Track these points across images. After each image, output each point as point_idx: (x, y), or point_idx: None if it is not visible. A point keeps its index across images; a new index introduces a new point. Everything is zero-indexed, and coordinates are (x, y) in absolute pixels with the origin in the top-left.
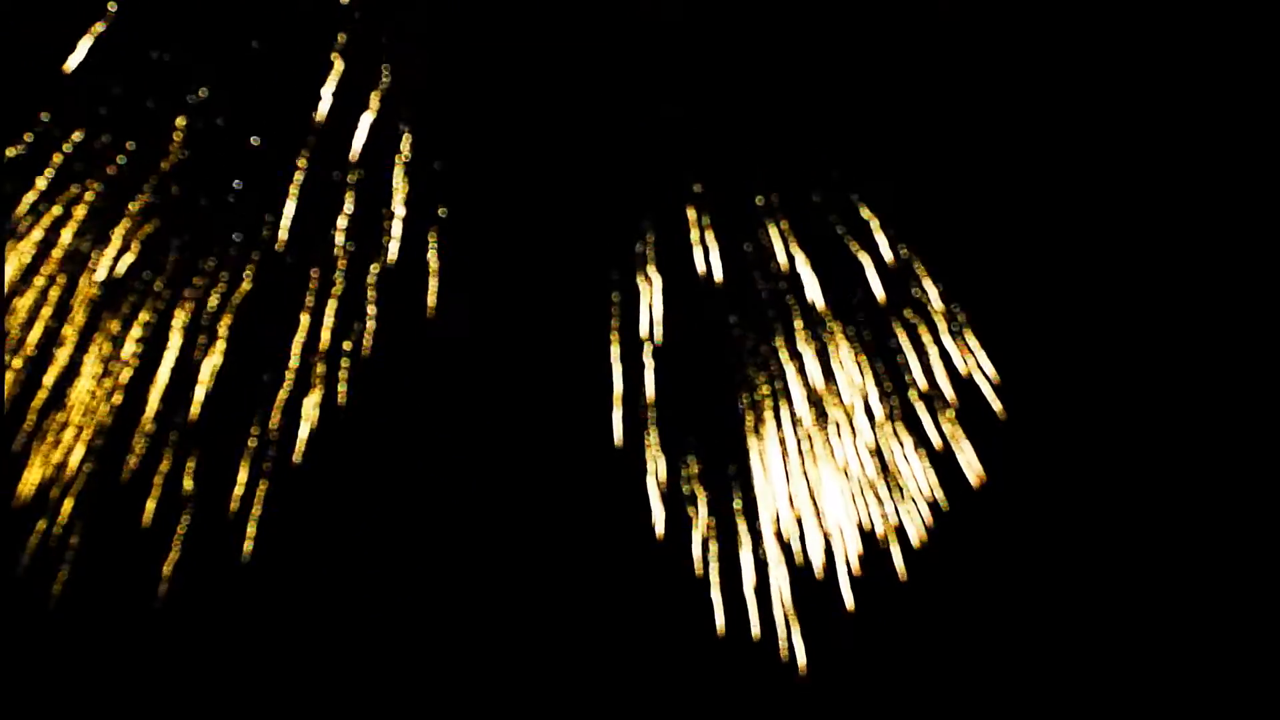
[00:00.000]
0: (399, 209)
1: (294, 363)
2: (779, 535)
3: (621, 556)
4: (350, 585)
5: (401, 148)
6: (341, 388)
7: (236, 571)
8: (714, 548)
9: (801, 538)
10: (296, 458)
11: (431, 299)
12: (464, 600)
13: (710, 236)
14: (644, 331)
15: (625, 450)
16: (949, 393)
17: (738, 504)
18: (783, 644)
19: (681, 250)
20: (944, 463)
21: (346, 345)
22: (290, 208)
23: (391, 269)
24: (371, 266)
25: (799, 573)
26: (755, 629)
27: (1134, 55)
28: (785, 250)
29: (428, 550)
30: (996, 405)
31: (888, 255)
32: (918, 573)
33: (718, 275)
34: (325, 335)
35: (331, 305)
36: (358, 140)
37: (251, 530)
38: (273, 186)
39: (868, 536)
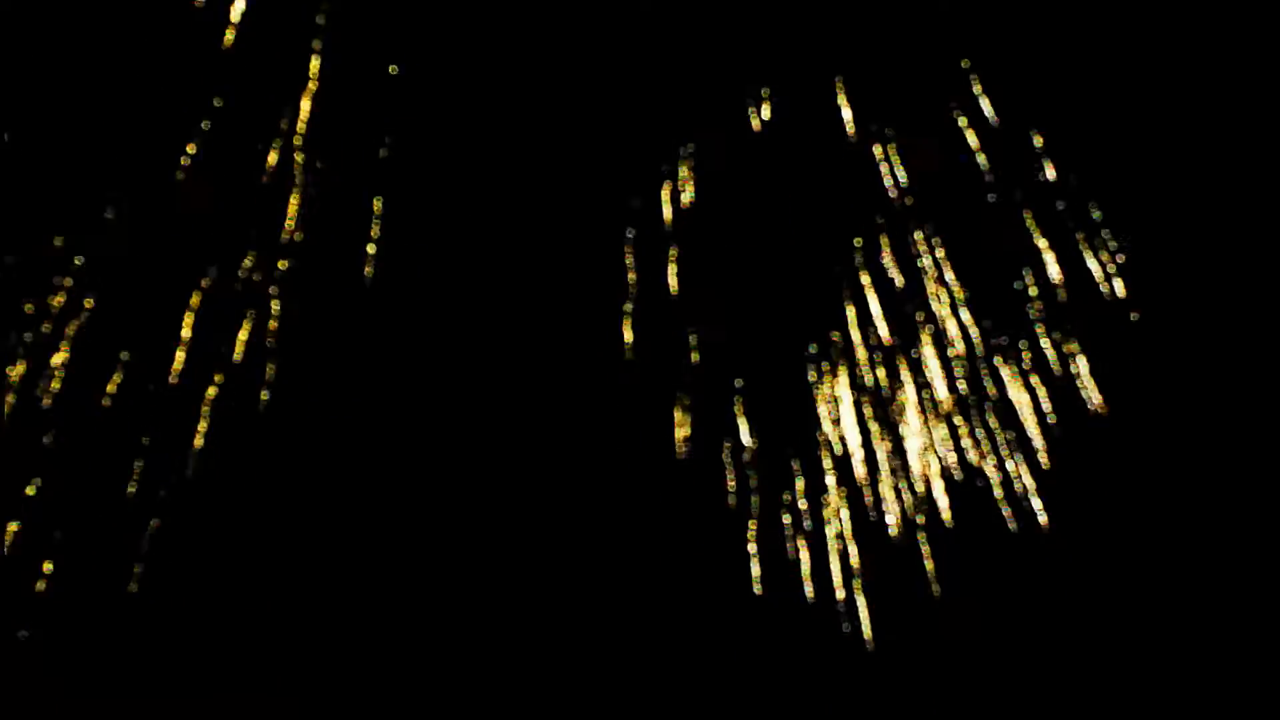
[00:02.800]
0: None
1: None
2: (839, 466)
3: (635, 489)
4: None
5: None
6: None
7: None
8: (756, 495)
9: (873, 478)
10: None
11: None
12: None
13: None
14: (669, 216)
15: (641, 361)
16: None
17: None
18: (843, 610)
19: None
20: (1059, 388)
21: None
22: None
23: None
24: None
25: (867, 521)
26: (808, 588)
27: None
28: (853, 116)
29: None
30: (1122, 291)
31: (990, 115)
32: (1026, 526)
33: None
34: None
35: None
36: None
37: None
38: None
39: (961, 474)
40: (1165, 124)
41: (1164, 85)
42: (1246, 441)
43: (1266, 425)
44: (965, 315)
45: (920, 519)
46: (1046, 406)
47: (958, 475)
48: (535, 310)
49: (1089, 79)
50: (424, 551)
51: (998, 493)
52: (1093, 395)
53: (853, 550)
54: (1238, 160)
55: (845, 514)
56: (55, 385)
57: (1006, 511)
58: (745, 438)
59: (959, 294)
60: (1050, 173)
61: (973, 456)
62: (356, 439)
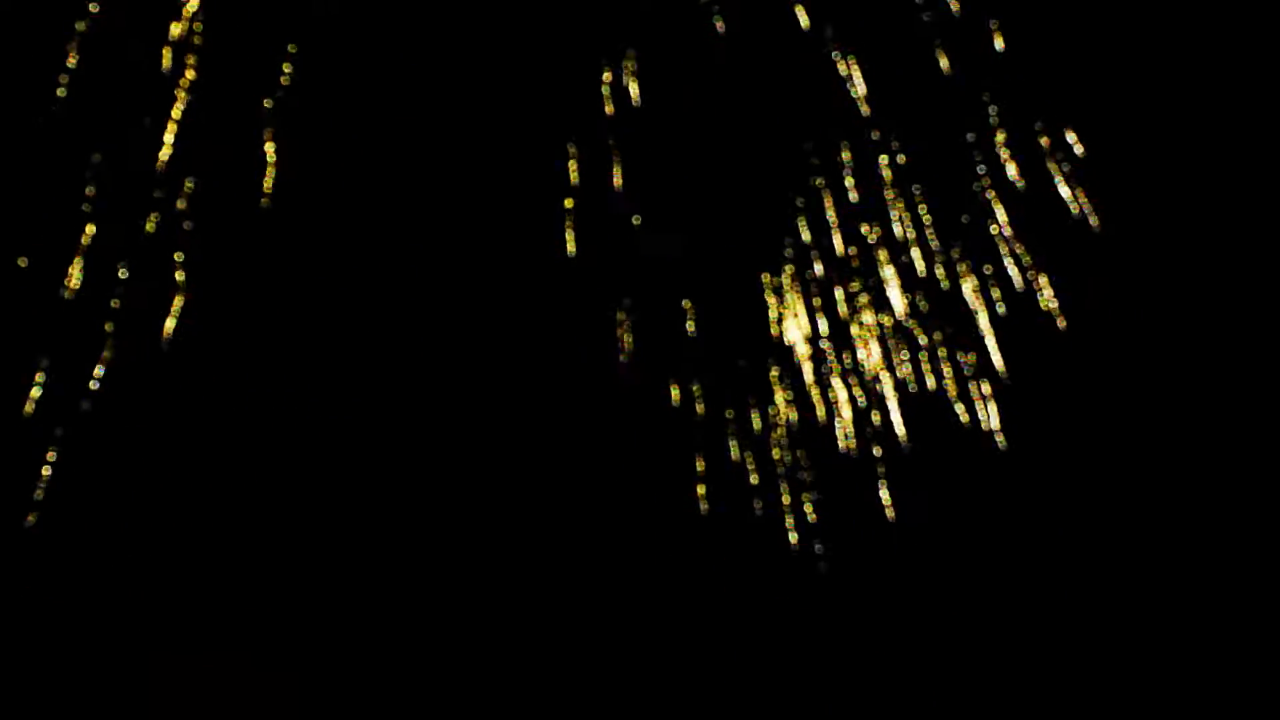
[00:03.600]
0: None
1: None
2: (790, 379)
3: (576, 395)
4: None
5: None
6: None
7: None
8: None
9: (825, 392)
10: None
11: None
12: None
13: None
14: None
15: (582, 267)
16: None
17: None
18: (792, 531)
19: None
20: (1019, 303)
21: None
22: None
23: None
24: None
25: (821, 435)
26: (756, 502)
27: None
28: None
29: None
30: (1089, 215)
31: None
32: (983, 444)
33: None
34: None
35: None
36: None
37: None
38: None
39: (915, 390)
40: (1133, 31)
41: None
42: (1208, 354)
43: (1229, 340)
44: (925, 221)
45: (875, 423)
46: (1004, 317)
47: (912, 387)
48: (474, 212)
49: None
50: (352, 469)
51: (956, 406)
52: (1052, 308)
53: (802, 461)
54: (1204, 69)
55: (793, 420)
56: None
57: (964, 419)
58: (691, 343)
59: (920, 204)
60: (1000, 56)
61: (927, 370)
62: (275, 359)
